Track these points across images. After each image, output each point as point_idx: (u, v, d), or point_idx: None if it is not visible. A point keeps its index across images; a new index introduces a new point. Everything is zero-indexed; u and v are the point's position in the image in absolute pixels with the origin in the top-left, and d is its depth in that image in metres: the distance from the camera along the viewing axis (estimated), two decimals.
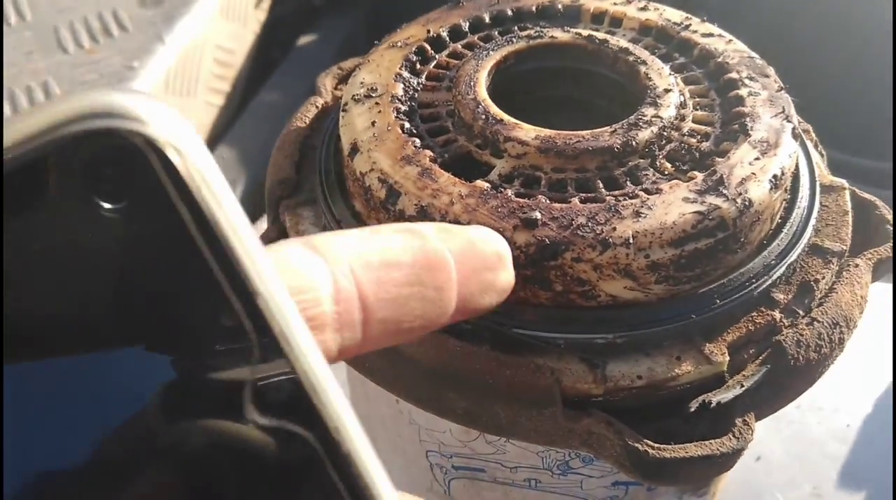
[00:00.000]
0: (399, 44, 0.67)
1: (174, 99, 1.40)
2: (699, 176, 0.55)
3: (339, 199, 0.61)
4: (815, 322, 0.56)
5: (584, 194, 0.55)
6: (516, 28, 0.69)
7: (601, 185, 0.56)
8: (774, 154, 0.57)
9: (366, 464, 0.24)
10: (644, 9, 0.70)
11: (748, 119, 0.59)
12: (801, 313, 0.56)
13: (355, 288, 0.29)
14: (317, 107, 0.71)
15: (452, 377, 0.52)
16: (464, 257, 0.35)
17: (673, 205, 0.53)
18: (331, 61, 0.76)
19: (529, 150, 0.57)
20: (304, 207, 0.63)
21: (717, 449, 0.51)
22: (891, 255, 0.60)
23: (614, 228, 0.51)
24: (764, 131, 0.58)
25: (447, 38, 0.69)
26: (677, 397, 0.54)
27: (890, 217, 0.63)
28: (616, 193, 0.55)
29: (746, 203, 0.53)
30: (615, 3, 0.71)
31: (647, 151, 0.58)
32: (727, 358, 0.53)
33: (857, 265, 0.59)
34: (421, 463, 0.68)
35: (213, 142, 1.55)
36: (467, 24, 0.70)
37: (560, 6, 0.71)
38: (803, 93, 0.65)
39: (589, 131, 0.58)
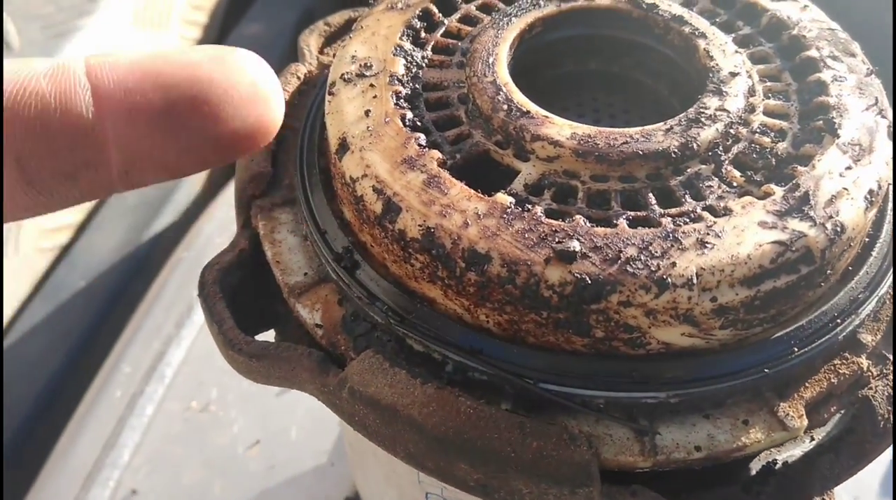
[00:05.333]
0: (399, 5, 0.55)
1: (143, 33, 1.26)
2: (778, 191, 0.44)
3: (323, 202, 0.50)
4: None
5: (632, 214, 0.44)
6: None
7: (653, 200, 0.45)
8: (869, 162, 0.45)
9: None
10: None
11: (835, 113, 0.48)
12: (890, 358, 0.46)
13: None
14: (298, 77, 0.59)
15: (464, 447, 0.42)
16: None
17: (747, 231, 0.42)
18: None
19: (563, 152, 0.45)
20: (282, 208, 0.52)
21: None
22: None
23: (673, 264, 0.40)
24: (855, 130, 0.47)
25: None
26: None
27: None
28: (673, 212, 0.44)
29: (838, 228, 0.42)
30: None
31: (710, 154, 0.46)
32: (805, 422, 0.43)
33: None
34: None
35: None
36: None
37: None
38: None
39: (637, 129, 0.46)
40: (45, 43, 1.12)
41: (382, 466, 0.60)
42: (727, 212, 0.43)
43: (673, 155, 0.45)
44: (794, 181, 0.44)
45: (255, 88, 0.29)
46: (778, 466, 0.45)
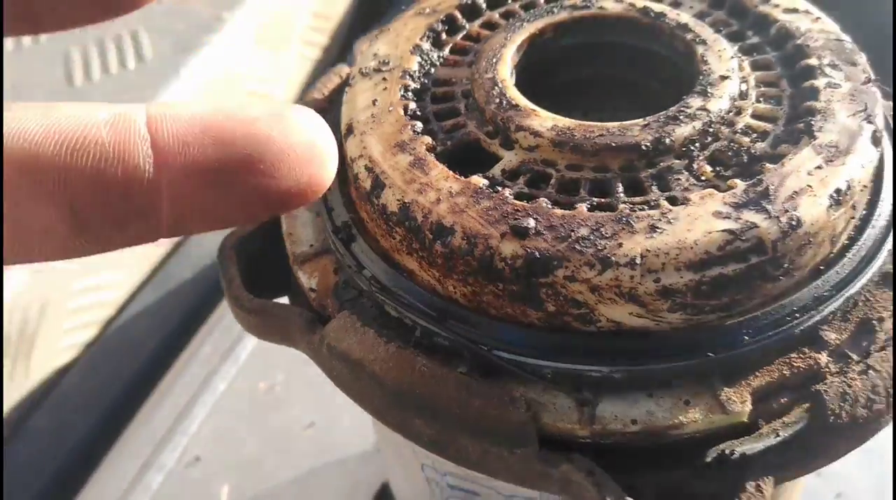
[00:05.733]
0: (427, 10, 0.60)
1: (265, 52, 1.38)
2: (740, 185, 0.45)
3: (336, 184, 0.55)
4: (870, 371, 0.45)
5: (595, 200, 0.46)
6: None
7: (621, 188, 0.47)
8: (842, 163, 0.46)
9: None
10: None
11: (818, 117, 0.49)
12: (854, 358, 0.46)
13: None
14: (340, 76, 0.65)
15: (418, 402, 0.46)
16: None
17: (699, 220, 0.44)
18: None
19: (542, 142, 0.49)
20: None
21: None
22: None
23: (620, 244, 0.43)
24: (834, 133, 0.48)
25: (483, 5, 0.61)
26: (690, 444, 0.46)
27: None
28: (636, 200, 0.46)
29: (793, 222, 0.44)
30: None
31: (684, 150, 0.48)
32: (749, 407, 0.44)
33: None
34: (418, 476, 0.62)
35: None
36: None
37: None
38: None
39: (616, 124, 0.49)
40: (173, 57, 1.24)
41: (390, 441, 0.64)
42: (685, 201, 0.45)
43: (644, 148, 0.47)
44: (758, 177, 0.46)
45: (311, 148, 0.28)
46: (735, 456, 0.46)
